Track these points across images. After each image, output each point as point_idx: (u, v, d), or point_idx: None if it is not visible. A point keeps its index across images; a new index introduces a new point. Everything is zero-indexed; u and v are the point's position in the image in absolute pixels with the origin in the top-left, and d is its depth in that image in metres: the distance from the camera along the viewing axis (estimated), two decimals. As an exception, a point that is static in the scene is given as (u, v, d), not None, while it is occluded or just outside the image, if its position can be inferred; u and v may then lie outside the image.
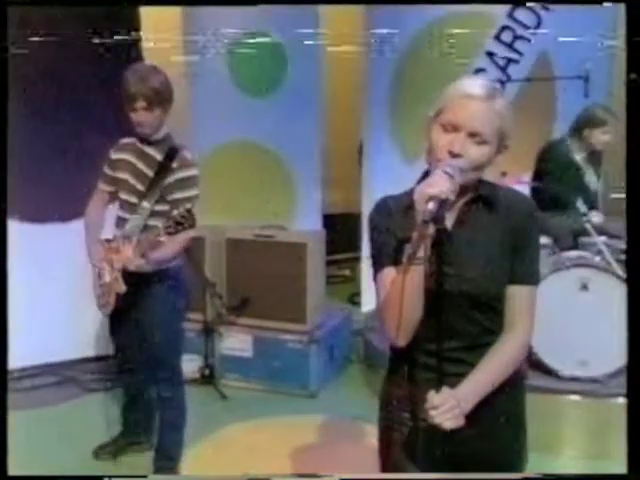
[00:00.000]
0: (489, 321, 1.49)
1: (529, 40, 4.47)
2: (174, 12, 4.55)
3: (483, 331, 1.49)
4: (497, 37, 4.47)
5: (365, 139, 5.06)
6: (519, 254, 1.48)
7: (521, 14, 4.46)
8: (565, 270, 3.25)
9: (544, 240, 3.42)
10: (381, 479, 1.74)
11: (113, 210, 2.85)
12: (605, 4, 3.89)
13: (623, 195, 3.73)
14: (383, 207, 1.56)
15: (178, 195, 2.59)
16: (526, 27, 4.46)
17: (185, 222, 2.34)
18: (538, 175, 3.84)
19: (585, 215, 3.82)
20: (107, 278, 2.64)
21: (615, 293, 3.14)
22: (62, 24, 3.67)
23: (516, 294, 1.49)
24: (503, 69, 4.50)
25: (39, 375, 3.94)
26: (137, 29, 4.02)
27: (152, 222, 2.61)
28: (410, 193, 1.48)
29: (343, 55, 5.24)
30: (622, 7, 4.15)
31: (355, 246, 5.20)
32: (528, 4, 4.41)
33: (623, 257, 3.45)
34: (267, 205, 4.76)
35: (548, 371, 3.25)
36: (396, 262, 1.45)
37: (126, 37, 3.85)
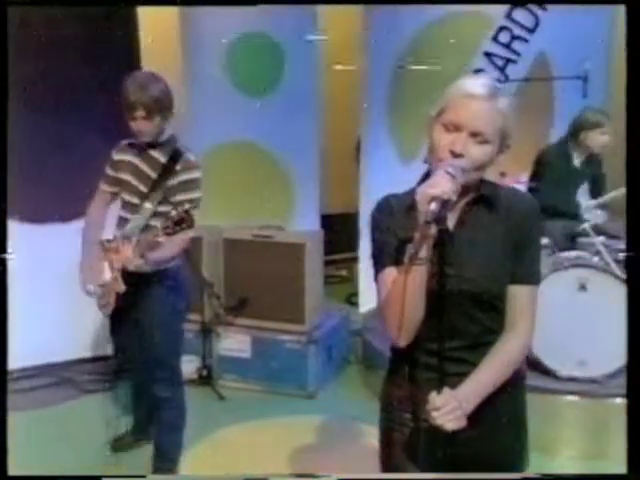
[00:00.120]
0: (490, 320, 1.49)
1: (527, 41, 4.47)
2: (172, 12, 4.53)
3: (484, 330, 1.49)
4: (495, 38, 4.47)
5: (363, 139, 5.06)
6: (520, 254, 1.48)
7: (519, 15, 4.47)
8: (563, 270, 3.25)
9: (543, 240, 3.43)
10: (381, 479, 1.74)
11: (113, 210, 2.85)
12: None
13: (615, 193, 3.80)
14: (385, 206, 1.55)
15: (181, 197, 2.59)
16: (524, 28, 4.47)
17: (184, 223, 2.33)
18: (536, 178, 3.84)
19: (583, 216, 3.85)
20: (106, 278, 2.63)
21: (613, 293, 3.15)
22: (62, 24, 3.66)
23: (517, 294, 1.48)
24: (501, 69, 4.50)
25: (36, 376, 3.92)
26: (135, 29, 4.01)
27: (154, 223, 2.61)
28: (412, 193, 1.48)
29: (341, 55, 5.25)
30: (620, 7, 4.20)
31: (352, 246, 5.19)
32: (526, 4, 4.42)
33: (621, 257, 3.46)
34: (265, 205, 4.76)
35: (546, 371, 3.25)
36: (397, 262, 1.44)
37: (124, 37, 3.84)
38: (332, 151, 5.54)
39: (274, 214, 4.73)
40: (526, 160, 3.90)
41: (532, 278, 1.50)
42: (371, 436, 3.19)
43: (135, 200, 2.70)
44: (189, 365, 3.78)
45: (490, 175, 1.55)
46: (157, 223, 2.55)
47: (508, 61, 4.50)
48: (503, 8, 4.45)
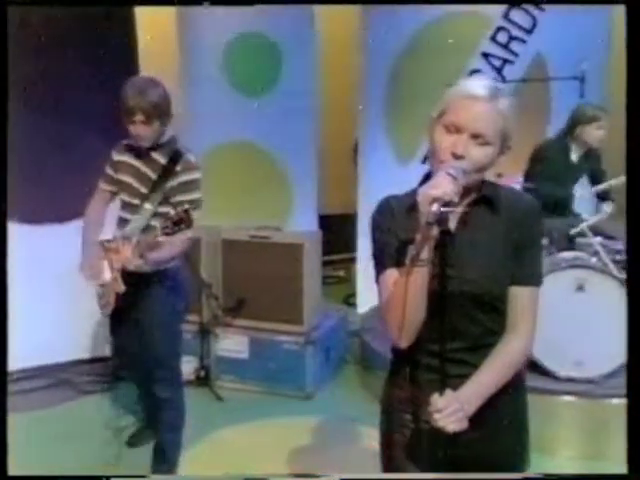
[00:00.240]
0: (491, 322, 1.49)
1: (524, 41, 4.48)
2: (169, 12, 4.53)
3: (485, 332, 1.49)
4: (493, 38, 4.48)
5: (360, 139, 5.06)
6: (521, 255, 1.48)
7: (516, 15, 4.47)
8: (561, 271, 3.26)
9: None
10: (381, 479, 1.74)
11: (113, 210, 2.85)
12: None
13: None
14: (386, 207, 1.55)
15: (181, 198, 2.59)
16: (521, 28, 4.47)
17: (182, 223, 2.33)
18: (531, 175, 3.84)
19: (580, 215, 3.86)
20: (106, 278, 2.63)
21: (611, 294, 3.15)
22: (61, 24, 3.66)
23: (518, 295, 1.48)
24: (498, 70, 4.51)
25: (34, 377, 3.91)
26: (133, 29, 4.00)
27: (154, 223, 2.61)
28: (412, 194, 1.48)
29: (339, 55, 5.25)
30: (616, 8, 4.21)
31: (350, 247, 5.20)
32: (524, 5, 4.43)
33: (619, 258, 3.47)
34: (263, 205, 4.75)
35: (544, 372, 3.26)
36: (399, 263, 1.44)
37: (123, 37, 3.84)
38: (330, 151, 5.54)
39: (272, 214, 4.73)
40: (523, 161, 3.91)
41: (533, 279, 1.50)
42: (369, 437, 3.21)
43: (135, 201, 2.70)
44: (187, 366, 3.76)
45: (487, 176, 1.55)
46: (157, 223, 2.55)
47: (505, 62, 4.51)
48: (501, 8, 4.46)
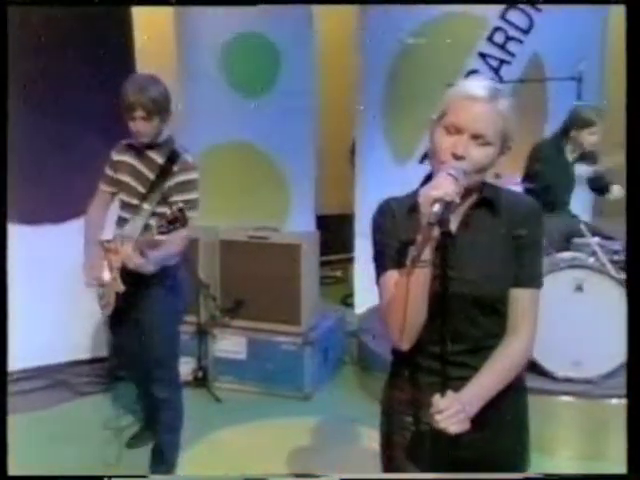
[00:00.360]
0: (492, 324, 1.49)
1: (521, 42, 4.49)
2: (167, 12, 4.52)
3: (486, 334, 1.49)
4: (490, 38, 4.49)
5: (357, 140, 5.06)
6: (522, 257, 1.48)
7: (513, 15, 4.48)
8: (560, 271, 3.26)
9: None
10: (381, 479, 1.74)
11: (113, 211, 2.86)
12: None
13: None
14: (386, 209, 1.55)
15: (178, 198, 2.60)
16: (518, 29, 4.48)
17: (177, 222, 2.35)
18: (529, 176, 3.84)
19: (577, 216, 3.86)
20: (106, 278, 2.63)
21: (610, 294, 3.16)
22: (60, 24, 3.65)
23: (519, 297, 1.48)
24: (495, 70, 4.52)
25: (31, 378, 3.90)
26: (130, 29, 3.99)
27: (152, 223, 2.61)
28: (412, 195, 1.48)
29: (336, 55, 5.25)
30: (613, 8, 4.22)
31: (347, 247, 5.20)
32: (520, 5, 4.44)
33: (617, 258, 3.47)
34: (261, 206, 4.75)
35: (542, 372, 3.26)
36: (399, 264, 1.44)
37: (120, 38, 3.83)
38: (327, 152, 5.54)
39: (270, 215, 4.72)
40: (521, 161, 3.91)
41: (534, 281, 1.50)
42: (367, 438, 3.21)
43: (134, 201, 2.71)
44: (185, 367, 3.75)
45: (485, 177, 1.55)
46: (154, 223, 2.56)
47: (502, 62, 4.52)
48: (498, 9, 4.46)
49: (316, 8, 4.80)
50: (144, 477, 2.75)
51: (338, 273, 5.93)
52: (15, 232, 3.59)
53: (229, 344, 3.95)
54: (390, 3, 4.44)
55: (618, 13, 3.52)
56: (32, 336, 3.74)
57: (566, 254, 3.47)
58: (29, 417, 3.50)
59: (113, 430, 3.27)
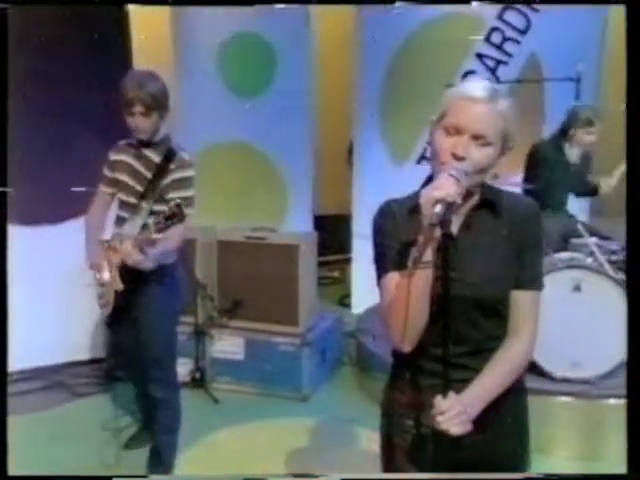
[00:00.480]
0: (493, 326, 1.48)
1: (518, 42, 4.49)
2: (164, 12, 4.51)
3: (487, 337, 1.48)
4: (487, 38, 4.49)
5: (355, 140, 5.06)
6: (523, 259, 1.48)
7: (510, 16, 4.49)
8: (558, 271, 3.26)
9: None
10: (381, 479, 1.74)
11: (113, 211, 2.87)
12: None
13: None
14: (387, 210, 1.54)
15: (175, 195, 2.60)
16: (515, 29, 4.49)
17: (175, 217, 2.36)
18: (528, 176, 3.85)
19: (574, 216, 3.87)
20: (106, 277, 2.63)
21: (608, 294, 3.16)
22: (59, 23, 3.63)
23: (520, 299, 1.48)
24: (492, 71, 4.52)
25: (32, 379, 3.89)
26: (128, 29, 3.98)
27: (150, 221, 2.61)
28: (413, 196, 1.47)
29: (334, 55, 5.24)
30: (612, 8, 4.23)
31: (345, 248, 5.19)
32: (517, 5, 4.44)
33: (615, 258, 3.48)
34: (258, 206, 4.74)
35: (541, 372, 3.26)
36: (400, 266, 1.43)
37: (118, 37, 3.81)
38: (325, 152, 5.53)
39: (267, 215, 4.72)
40: (518, 162, 3.91)
41: (535, 283, 1.50)
42: (366, 439, 3.21)
43: (132, 200, 2.72)
44: (182, 368, 3.74)
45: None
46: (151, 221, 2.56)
47: (499, 62, 4.52)
48: (495, 9, 4.47)
49: (313, 8, 4.79)
50: (144, 477, 2.75)
51: (336, 274, 5.93)
52: (15, 232, 3.60)
53: (227, 345, 3.94)
54: (388, 4, 4.43)
55: (618, 13, 3.52)
56: (30, 337, 3.73)
57: (564, 254, 3.47)
58: (28, 418, 3.49)
59: (112, 431, 3.27)
